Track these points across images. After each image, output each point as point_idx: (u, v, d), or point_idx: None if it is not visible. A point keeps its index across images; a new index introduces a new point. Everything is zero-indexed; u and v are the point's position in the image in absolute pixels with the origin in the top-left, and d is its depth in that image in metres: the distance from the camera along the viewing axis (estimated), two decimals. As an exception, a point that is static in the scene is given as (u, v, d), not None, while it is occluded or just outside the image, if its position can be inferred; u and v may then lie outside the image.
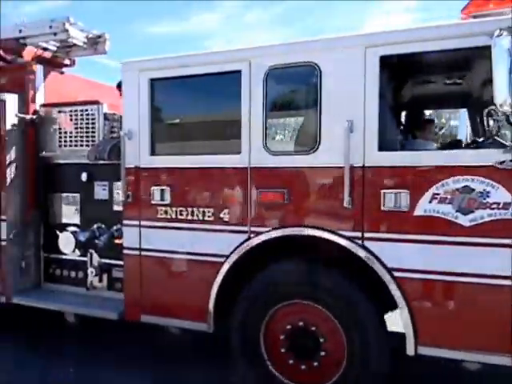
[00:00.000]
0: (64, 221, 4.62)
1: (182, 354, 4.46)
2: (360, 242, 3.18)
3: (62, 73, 4.96)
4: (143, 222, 3.86)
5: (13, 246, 4.49)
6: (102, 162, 4.22)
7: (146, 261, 3.87)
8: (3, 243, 4.46)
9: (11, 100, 4.40)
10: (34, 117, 4.53)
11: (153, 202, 3.81)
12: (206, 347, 4.46)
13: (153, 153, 3.81)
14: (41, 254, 4.76)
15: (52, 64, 4.80)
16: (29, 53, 4.51)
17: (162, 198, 3.77)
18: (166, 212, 3.77)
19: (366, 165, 3.14)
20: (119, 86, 4.75)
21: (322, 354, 3.30)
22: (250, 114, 3.42)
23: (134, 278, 3.91)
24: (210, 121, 3.77)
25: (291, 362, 3.37)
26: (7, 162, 4.41)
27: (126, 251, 3.96)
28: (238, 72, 3.46)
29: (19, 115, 4.41)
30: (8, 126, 4.39)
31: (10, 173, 4.44)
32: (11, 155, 4.44)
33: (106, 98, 4.50)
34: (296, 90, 3.47)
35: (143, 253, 3.87)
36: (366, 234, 3.16)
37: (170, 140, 3.92)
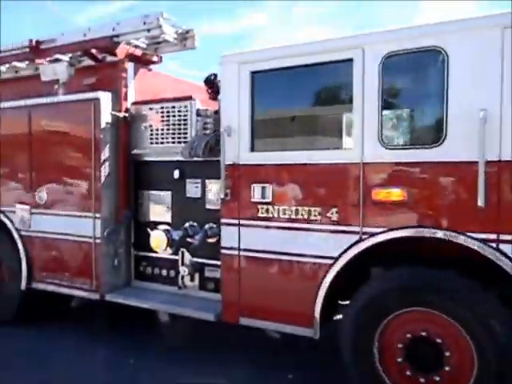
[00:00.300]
0: (154, 219, 4.57)
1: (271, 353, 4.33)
2: (494, 244, 2.85)
3: (149, 70, 4.93)
4: (243, 221, 3.71)
5: (106, 244, 4.51)
6: (195, 159, 4.12)
7: (245, 261, 3.72)
8: (97, 241, 4.48)
9: (105, 98, 4.40)
10: (127, 114, 4.51)
11: (253, 200, 3.65)
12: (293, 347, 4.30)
13: (253, 149, 3.65)
14: (131, 252, 4.76)
15: (141, 61, 4.76)
16: (121, 51, 4.49)
17: (263, 196, 3.61)
18: (267, 210, 3.60)
19: (502, 159, 2.81)
20: (207, 81, 4.66)
21: (446, 368, 3.00)
22: (364, 105, 3.18)
23: (233, 279, 3.77)
24: (316, 114, 3.55)
25: (410, 374, 3.10)
26: (101, 160, 4.42)
27: (223, 251, 3.84)
28: (350, 60, 3.22)
29: (114, 113, 4.41)
30: (102, 124, 4.40)
31: (104, 171, 4.45)
32: (105, 153, 4.44)
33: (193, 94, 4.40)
34: (417, 77, 3.17)
35: (242, 253, 3.73)
36: (503, 237, 2.83)
37: (272, 135, 3.74)
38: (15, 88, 5.49)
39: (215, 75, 4.92)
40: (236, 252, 3.75)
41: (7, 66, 5.72)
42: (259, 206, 3.63)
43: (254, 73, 3.61)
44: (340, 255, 3.31)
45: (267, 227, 3.61)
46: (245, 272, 3.73)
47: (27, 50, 4.78)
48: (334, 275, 3.32)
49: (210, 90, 4.70)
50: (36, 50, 4.77)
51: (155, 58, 4.92)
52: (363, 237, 3.24)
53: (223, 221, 3.82)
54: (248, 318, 3.73)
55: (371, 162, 3.19)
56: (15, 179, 5.01)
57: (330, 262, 3.36)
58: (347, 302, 3.49)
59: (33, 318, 5.17)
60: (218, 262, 4.16)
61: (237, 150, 3.70)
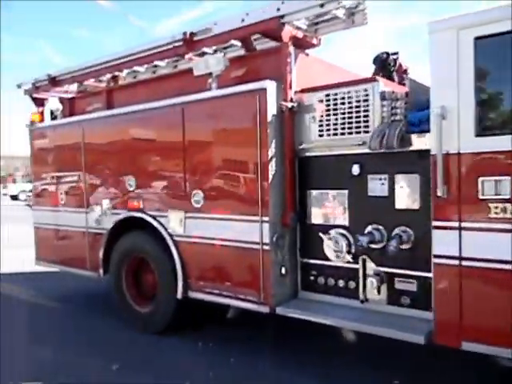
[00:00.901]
0: (326, 222, 4.01)
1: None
2: None
3: (307, 54, 4.38)
4: (465, 224, 3.01)
5: (275, 251, 4.03)
6: (382, 150, 3.49)
7: (469, 273, 3.02)
8: (265, 247, 4.01)
9: (272, 88, 3.92)
10: (294, 105, 3.99)
11: (482, 198, 2.94)
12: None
13: (479, 133, 2.94)
14: (297, 259, 4.25)
15: (301, 45, 4.23)
16: (286, 33, 3.98)
17: (497, 192, 2.88)
18: (503, 210, 2.86)
19: None
20: (377, 61, 4.05)
21: None
22: None
23: (451, 295, 3.08)
24: None
25: None
26: (268, 158, 3.95)
27: (436, 260, 3.16)
28: None
29: (283, 103, 3.91)
30: (269, 117, 3.92)
31: (271, 169, 3.98)
32: (272, 149, 3.96)
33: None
34: None
35: (465, 263, 3.03)
36: None
37: (509, 114, 2.99)
38: (155, 87, 5.29)
39: (387, 54, 4.28)
40: (456, 262, 3.06)
41: (146, 66, 5.59)
42: (491, 205, 2.90)
43: (478, 38, 2.90)
44: None
45: (504, 231, 2.87)
46: (469, 286, 3.02)
47: (181, 43, 4.46)
48: None
49: (379, 71, 4.08)
50: (190, 43, 4.44)
51: (315, 41, 4.37)
52: None
53: (436, 223, 3.14)
54: (474, 342, 3.02)
55: None
56: (167, 183, 4.73)
57: None
58: None
59: (186, 327, 4.91)
60: (414, 273, 3.53)
61: (455, 135, 3.00)
